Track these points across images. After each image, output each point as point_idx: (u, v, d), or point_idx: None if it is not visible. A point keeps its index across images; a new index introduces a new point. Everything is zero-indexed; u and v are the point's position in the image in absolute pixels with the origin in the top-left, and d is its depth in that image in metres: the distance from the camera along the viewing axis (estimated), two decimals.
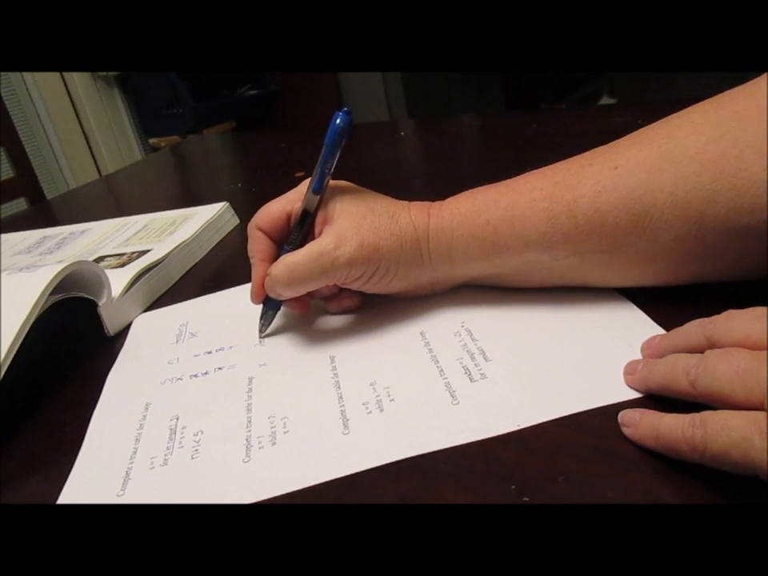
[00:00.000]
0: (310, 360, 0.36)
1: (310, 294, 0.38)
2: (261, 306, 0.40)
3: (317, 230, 0.36)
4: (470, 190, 0.36)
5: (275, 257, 0.38)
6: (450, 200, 0.37)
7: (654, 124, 0.32)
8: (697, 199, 0.29)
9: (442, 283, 0.38)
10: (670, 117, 0.32)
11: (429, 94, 2.65)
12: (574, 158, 0.34)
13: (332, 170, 0.35)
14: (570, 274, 0.34)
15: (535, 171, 0.35)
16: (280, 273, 0.35)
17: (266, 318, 0.40)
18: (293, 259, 0.35)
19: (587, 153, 0.33)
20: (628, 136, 0.33)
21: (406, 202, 0.37)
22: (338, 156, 0.35)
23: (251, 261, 0.39)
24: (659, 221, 0.30)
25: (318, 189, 0.35)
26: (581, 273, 0.34)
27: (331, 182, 0.37)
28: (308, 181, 0.36)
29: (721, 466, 0.22)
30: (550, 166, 0.34)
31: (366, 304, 0.40)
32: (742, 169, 0.28)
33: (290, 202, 0.37)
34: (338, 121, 0.34)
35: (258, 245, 0.38)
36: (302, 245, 0.36)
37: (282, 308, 0.42)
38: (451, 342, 0.35)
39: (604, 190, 0.31)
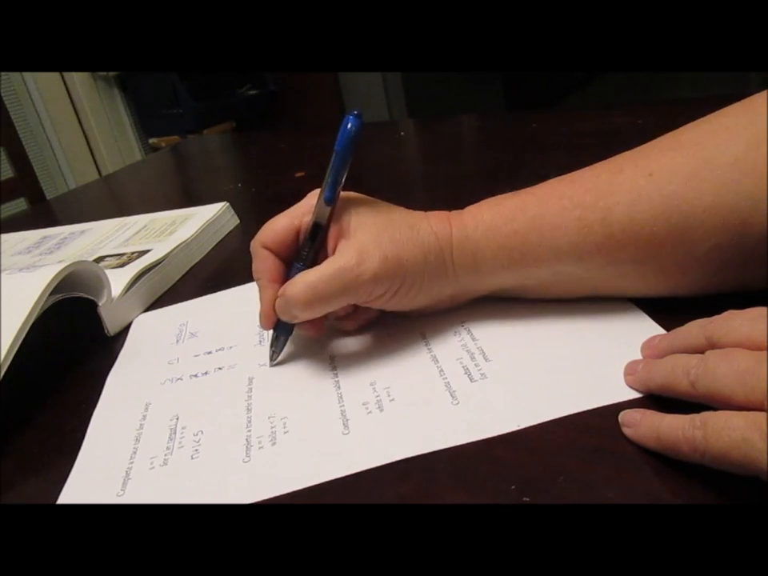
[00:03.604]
0: (310, 360, 0.36)
1: (326, 314, 0.35)
2: (268, 322, 0.36)
3: (330, 245, 0.34)
4: (491, 198, 0.35)
5: (284, 276, 0.35)
6: (471, 209, 0.35)
7: (681, 129, 0.31)
8: (739, 207, 0.28)
9: (463, 296, 0.36)
10: (697, 122, 0.31)
11: (429, 94, 2.65)
12: (601, 164, 0.33)
13: (344, 178, 0.33)
14: (600, 285, 0.33)
15: (560, 178, 0.33)
16: (299, 293, 0.32)
17: (277, 345, 0.37)
18: (312, 278, 0.32)
19: (614, 159, 0.32)
20: (655, 142, 0.32)
21: (422, 212, 0.35)
22: (349, 163, 0.33)
23: (257, 283, 0.36)
24: (698, 230, 0.29)
25: (331, 199, 0.33)
26: (612, 284, 0.33)
27: (342, 193, 0.34)
28: (316, 193, 0.34)
29: (721, 467, 0.22)
30: (575, 173, 0.33)
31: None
32: None
33: (297, 216, 0.35)
34: (348, 126, 0.32)
35: (264, 264, 0.35)
36: (314, 261, 0.34)
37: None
38: (451, 342, 0.35)
39: (639, 198, 0.30)
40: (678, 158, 0.30)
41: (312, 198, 0.35)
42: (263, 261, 0.35)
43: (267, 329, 0.36)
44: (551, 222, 0.32)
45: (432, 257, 0.33)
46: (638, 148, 0.32)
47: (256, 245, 0.36)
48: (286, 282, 0.34)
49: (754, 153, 0.28)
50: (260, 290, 0.36)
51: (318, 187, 0.34)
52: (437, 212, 0.35)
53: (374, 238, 0.32)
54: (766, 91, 0.29)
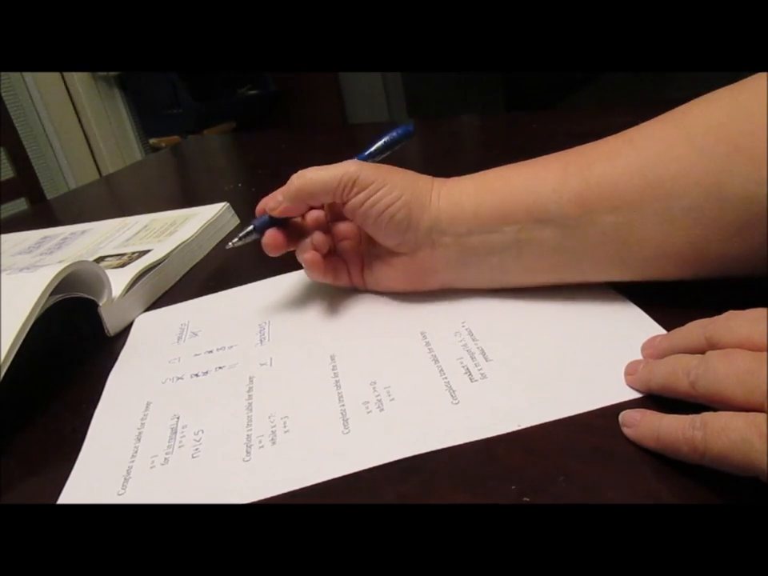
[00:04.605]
0: (310, 359, 0.36)
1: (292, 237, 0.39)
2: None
3: None
4: None
5: None
6: None
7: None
8: (713, 170, 0.29)
9: (441, 241, 0.36)
10: (691, 101, 0.32)
11: (429, 94, 2.65)
12: None
13: (378, 156, 0.39)
14: (582, 248, 0.33)
15: None
16: (295, 175, 0.38)
17: (245, 236, 0.41)
18: (310, 168, 0.37)
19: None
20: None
21: None
22: (389, 151, 0.40)
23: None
24: (674, 188, 0.30)
25: (363, 158, 0.39)
26: (593, 249, 0.33)
27: None
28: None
29: (721, 468, 0.22)
30: None
31: (365, 303, 0.40)
32: (757, 146, 0.27)
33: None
34: (402, 128, 0.40)
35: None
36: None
37: (283, 309, 0.42)
38: (451, 342, 0.35)
39: (617, 157, 0.31)
40: (659, 127, 0.32)
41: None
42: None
43: (258, 212, 0.41)
44: (534, 171, 0.34)
45: (421, 183, 0.37)
46: None
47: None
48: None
49: (729, 122, 0.29)
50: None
51: None
52: None
53: (377, 164, 0.37)
54: (756, 74, 0.30)
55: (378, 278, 0.40)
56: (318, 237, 0.39)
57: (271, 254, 0.40)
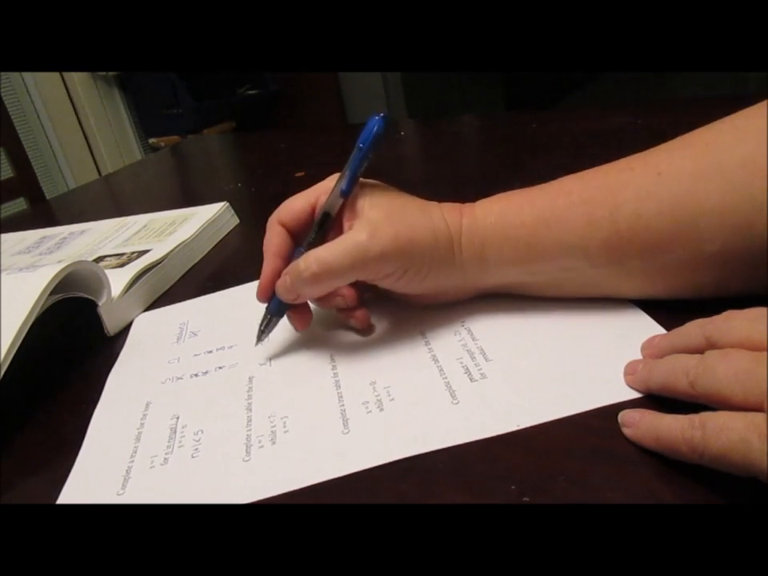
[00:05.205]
0: (310, 359, 0.36)
1: (311, 310, 0.37)
2: (263, 311, 0.38)
3: (345, 227, 0.34)
4: (503, 193, 0.35)
5: (290, 254, 0.36)
6: (482, 201, 0.35)
7: (694, 130, 0.31)
8: (746, 209, 0.28)
9: (468, 288, 0.36)
10: (710, 124, 0.31)
11: (429, 94, 2.65)
12: (611, 163, 0.33)
13: (361, 173, 0.34)
14: (606, 284, 0.33)
15: (571, 175, 0.34)
16: (308, 267, 0.33)
17: (267, 326, 0.37)
18: (322, 253, 0.33)
19: (625, 159, 0.32)
20: (667, 143, 0.32)
21: (435, 202, 0.36)
22: (369, 160, 0.34)
23: (264, 255, 0.36)
24: (705, 230, 0.29)
25: (347, 192, 0.34)
26: (618, 283, 0.33)
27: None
28: (335, 177, 0.35)
29: (720, 467, 0.22)
30: (586, 171, 0.33)
31: (365, 303, 0.40)
32: None
33: (314, 196, 0.36)
34: (375, 126, 0.33)
35: (274, 239, 0.36)
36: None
37: None
38: (451, 342, 0.35)
39: (647, 197, 0.30)
40: (687, 158, 0.30)
41: (331, 181, 0.35)
42: (274, 236, 0.36)
43: (262, 301, 0.37)
44: (559, 216, 0.32)
45: (442, 242, 0.33)
46: (651, 149, 0.32)
47: (272, 220, 0.36)
48: (291, 262, 0.35)
49: (763, 154, 0.28)
50: (264, 262, 0.36)
51: None
52: (449, 203, 0.36)
53: (387, 216, 0.33)
54: None
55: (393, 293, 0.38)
56: (356, 308, 0.36)
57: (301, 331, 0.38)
